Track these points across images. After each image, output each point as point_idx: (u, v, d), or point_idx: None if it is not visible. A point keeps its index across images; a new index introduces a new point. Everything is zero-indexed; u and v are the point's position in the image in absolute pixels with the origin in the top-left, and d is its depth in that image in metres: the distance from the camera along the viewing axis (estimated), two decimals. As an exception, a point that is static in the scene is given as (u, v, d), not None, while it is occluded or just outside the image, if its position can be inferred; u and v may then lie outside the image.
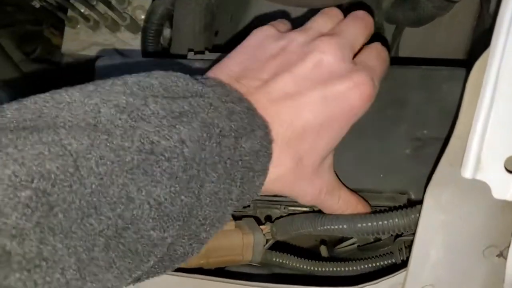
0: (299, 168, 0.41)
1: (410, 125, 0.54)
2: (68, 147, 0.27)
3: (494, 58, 0.41)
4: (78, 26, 0.88)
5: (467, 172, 0.42)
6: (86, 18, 0.84)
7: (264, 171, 0.38)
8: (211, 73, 0.42)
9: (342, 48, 0.42)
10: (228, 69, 0.41)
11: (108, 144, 0.28)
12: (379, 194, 0.57)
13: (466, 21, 0.74)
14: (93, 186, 0.27)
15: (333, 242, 0.84)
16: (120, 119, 0.30)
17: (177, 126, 0.32)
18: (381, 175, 0.56)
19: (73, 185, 0.26)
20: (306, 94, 0.40)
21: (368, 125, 0.51)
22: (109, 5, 0.81)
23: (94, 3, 0.83)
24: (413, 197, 0.55)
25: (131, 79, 0.34)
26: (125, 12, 0.84)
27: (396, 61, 0.54)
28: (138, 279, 0.35)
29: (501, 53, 0.41)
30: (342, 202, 0.51)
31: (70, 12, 0.86)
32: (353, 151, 0.54)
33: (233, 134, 0.35)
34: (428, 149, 0.52)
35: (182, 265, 0.60)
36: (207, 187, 0.33)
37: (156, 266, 0.36)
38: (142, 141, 0.30)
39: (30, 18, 0.97)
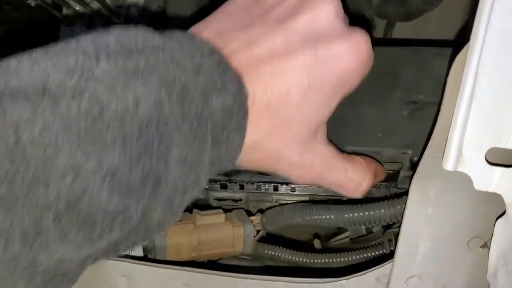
0: (282, 135, 0.37)
1: (405, 91, 0.54)
2: (8, 118, 0.25)
3: (474, 52, 0.42)
4: (74, 24, 0.89)
5: (449, 165, 0.42)
6: (81, 16, 0.85)
7: (240, 129, 0.34)
8: (194, 28, 0.38)
9: (340, 5, 0.38)
10: (213, 23, 0.38)
11: (52, 111, 0.26)
12: (379, 154, 0.54)
13: (456, 15, 0.74)
14: (38, 157, 0.25)
15: (327, 236, 0.85)
16: (68, 82, 0.27)
17: (130, 85, 0.28)
18: (380, 135, 0.54)
19: (15, 158, 0.25)
20: (295, 52, 0.35)
21: (363, 92, 0.49)
22: (103, 3, 0.82)
23: (89, 1, 0.83)
24: (414, 158, 0.53)
25: (85, 38, 0.30)
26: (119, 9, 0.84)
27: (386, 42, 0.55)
28: (112, 249, 0.32)
29: (480, 47, 0.41)
30: (352, 173, 0.44)
31: (65, 11, 0.87)
32: (350, 114, 0.54)
33: (199, 91, 0.31)
34: (425, 111, 0.51)
35: (174, 258, 0.61)
36: (174, 151, 0.30)
37: (131, 236, 0.32)
38: (90, 104, 0.27)
39: (26, 17, 0.97)
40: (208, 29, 0.37)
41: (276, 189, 0.67)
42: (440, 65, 0.50)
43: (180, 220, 0.64)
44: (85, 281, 0.55)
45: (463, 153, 0.42)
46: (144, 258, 0.60)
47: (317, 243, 0.81)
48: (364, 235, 0.74)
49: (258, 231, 0.68)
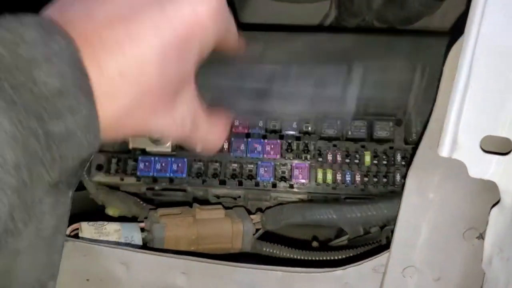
0: (146, 101, 0.35)
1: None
2: None
3: (468, 43, 0.43)
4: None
5: (444, 151, 0.43)
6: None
7: (85, 100, 0.31)
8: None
9: None
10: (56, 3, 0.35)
11: None
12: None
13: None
14: None
15: (325, 239, 0.85)
16: None
17: None
18: None
19: None
20: (141, 12, 0.33)
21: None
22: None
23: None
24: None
25: None
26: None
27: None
28: None
29: (475, 38, 0.43)
30: (215, 128, 0.43)
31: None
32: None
33: (22, 64, 0.28)
34: None
35: (171, 246, 0.62)
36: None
37: None
38: None
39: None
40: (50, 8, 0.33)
41: (274, 185, 0.68)
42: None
43: (180, 214, 0.65)
44: (83, 268, 0.56)
45: (458, 141, 0.43)
46: (143, 247, 0.61)
47: (315, 245, 0.81)
48: (362, 235, 0.74)
49: (257, 230, 0.69)
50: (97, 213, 0.70)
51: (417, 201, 0.49)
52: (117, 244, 0.59)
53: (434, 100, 0.46)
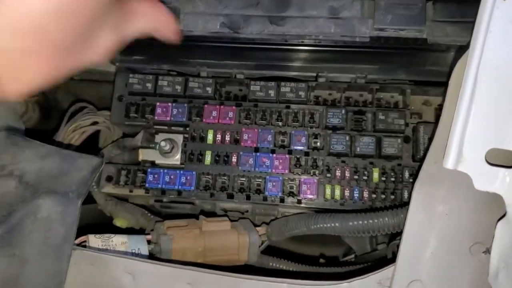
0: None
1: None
2: None
3: (474, 57, 0.43)
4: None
5: (449, 163, 0.44)
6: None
7: None
8: None
9: None
10: None
11: None
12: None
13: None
14: None
15: (333, 257, 0.85)
16: None
17: None
18: None
19: None
20: None
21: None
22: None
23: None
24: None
25: None
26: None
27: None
28: None
29: (480, 52, 0.43)
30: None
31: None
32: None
33: None
34: None
35: (178, 258, 0.62)
36: None
37: None
38: None
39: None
40: None
41: (282, 200, 0.68)
42: None
43: (186, 225, 0.65)
44: (90, 277, 0.56)
45: (463, 153, 0.43)
46: (149, 257, 0.61)
47: (322, 261, 0.81)
48: (369, 252, 0.74)
49: (263, 242, 0.69)
50: (105, 226, 0.71)
51: (423, 214, 0.49)
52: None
53: (440, 114, 0.47)
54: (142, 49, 0.71)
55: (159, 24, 0.47)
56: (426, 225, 0.50)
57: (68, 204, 0.55)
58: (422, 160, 0.50)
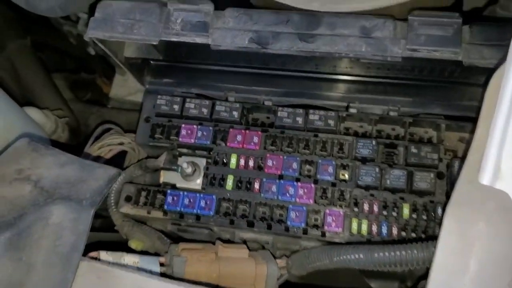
0: None
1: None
2: None
3: (511, 69, 0.41)
4: (127, 73, 0.93)
5: (485, 179, 0.40)
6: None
7: None
8: None
9: None
10: None
11: None
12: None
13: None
14: None
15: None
16: None
17: None
18: None
19: None
20: None
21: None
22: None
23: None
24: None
25: None
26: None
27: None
28: None
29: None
30: None
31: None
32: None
33: None
34: None
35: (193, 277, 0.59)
36: None
37: None
38: None
39: (84, 65, 1.04)
40: None
41: (305, 232, 0.65)
42: None
43: (202, 249, 0.62)
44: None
45: (501, 168, 0.40)
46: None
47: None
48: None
49: (282, 275, 0.65)
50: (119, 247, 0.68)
51: (457, 241, 0.45)
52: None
53: (474, 128, 0.44)
54: (172, 72, 0.72)
55: None
56: (459, 255, 0.46)
57: (81, 212, 0.53)
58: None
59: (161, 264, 0.62)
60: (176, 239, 0.71)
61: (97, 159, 0.74)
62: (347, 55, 0.55)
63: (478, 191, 0.42)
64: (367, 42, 0.56)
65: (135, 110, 0.75)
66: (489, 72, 0.46)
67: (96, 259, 0.58)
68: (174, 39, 0.58)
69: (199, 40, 0.58)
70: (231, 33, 0.58)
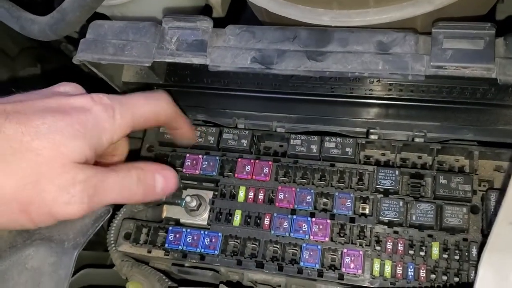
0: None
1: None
2: None
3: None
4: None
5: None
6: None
7: None
8: None
9: None
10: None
11: None
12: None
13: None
14: None
15: None
16: None
17: None
18: None
19: None
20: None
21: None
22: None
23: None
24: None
25: None
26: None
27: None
28: None
29: None
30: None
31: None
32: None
33: None
34: None
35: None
36: None
37: None
38: None
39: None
40: None
41: (320, 274, 0.57)
42: None
43: (203, 294, 0.55)
44: None
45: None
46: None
47: None
48: None
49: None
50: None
51: (494, 294, 0.37)
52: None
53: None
54: (176, 97, 0.66)
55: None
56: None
57: (63, 255, 0.47)
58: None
59: (158, 310, 0.55)
60: (180, 281, 0.65)
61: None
62: (361, 74, 0.48)
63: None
64: (384, 59, 0.49)
65: (137, 138, 0.70)
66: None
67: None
68: (168, 60, 0.53)
69: (196, 60, 0.52)
70: (231, 52, 0.52)
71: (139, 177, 0.49)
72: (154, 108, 0.52)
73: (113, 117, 0.47)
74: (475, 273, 0.52)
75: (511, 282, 0.37)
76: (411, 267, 0.56)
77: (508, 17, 0.59)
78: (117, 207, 0.67)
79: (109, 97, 0.48)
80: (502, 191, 0.52)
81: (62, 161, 0.42)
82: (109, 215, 0.51)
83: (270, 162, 0.63)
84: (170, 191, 0.53)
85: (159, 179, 0.51)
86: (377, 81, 0.59)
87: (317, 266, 0.58)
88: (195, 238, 0.61)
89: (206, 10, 0.79)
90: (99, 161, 0.50)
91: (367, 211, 0.60)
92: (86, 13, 0.56)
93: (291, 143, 0.63)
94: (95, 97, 0.47)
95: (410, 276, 0.56)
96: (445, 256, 0.56)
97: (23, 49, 0.95)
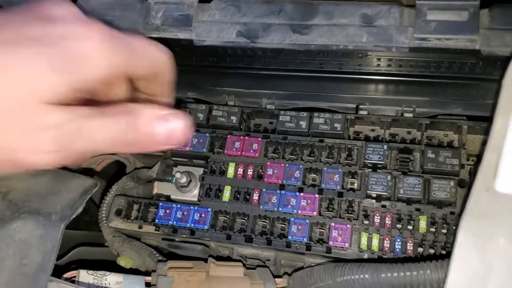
0: None
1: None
2: None
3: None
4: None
5: (502, 185, 0.33)
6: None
7: None
8: None
9: None
10: None
11: None
12: None
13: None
14: None
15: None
16: None
17: None
18: None
19: None
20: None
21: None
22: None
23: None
24: None
25: None
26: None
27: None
28: None
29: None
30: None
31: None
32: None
33: None
34: None
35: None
36: None
37: None
38: None
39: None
40: None
41: (308, 248, 0.58)
42: None
43: (191, 268, 0.56)
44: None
45: (521, 172, 0.32)
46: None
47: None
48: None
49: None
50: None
51: (472, 262, 0.38)
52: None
53: (490, 124, 0.36)
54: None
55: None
56: (476, 277, 0.38)
57: (50, 227, 0.48)
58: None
59: (148, 284, 0.56)
60: (170, 256, 0.65)
61: (88, 170, 0.69)
62: (346, 47, 0.48)
63: (497, 200, 0.34)
64: (368, 32, 0.49)
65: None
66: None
67: (75, 281, 0.53)
68: (154, 35, 0.53)
69: (181, 35, 0.53)
70: (216, 26, 0.52)
71: (129, 124, 0.38)
72: (156, 56, 0.43)
73: (103, 50, 0.38)
74: (453, 240, 0.52)
75: (490, 248, 0.37)
76: (398, 240, 0.57)
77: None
78: (108, 184, 0.68)
79: (103, 29, 0.39)
80: (479, 158, 0.52)
81: (29, 101, 0.35)
82: (96, 188, 0.51)
83: (259, 139, 0.63)
84: (178, 142, 0.40)
85: (159, 128, 0.39)
86: (365, 55, 0.59)
87: (305, 240, 0.58)
88: (185, 213, 0.62)
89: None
90: (98, 101, 0.42)
91: (355, 186, 0.60)
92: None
93: (280, 119, 0.64)
94: (88, 24, 0.38)
95: (398, 250, 0.56)
96: (433, 229, 0.56)
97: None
